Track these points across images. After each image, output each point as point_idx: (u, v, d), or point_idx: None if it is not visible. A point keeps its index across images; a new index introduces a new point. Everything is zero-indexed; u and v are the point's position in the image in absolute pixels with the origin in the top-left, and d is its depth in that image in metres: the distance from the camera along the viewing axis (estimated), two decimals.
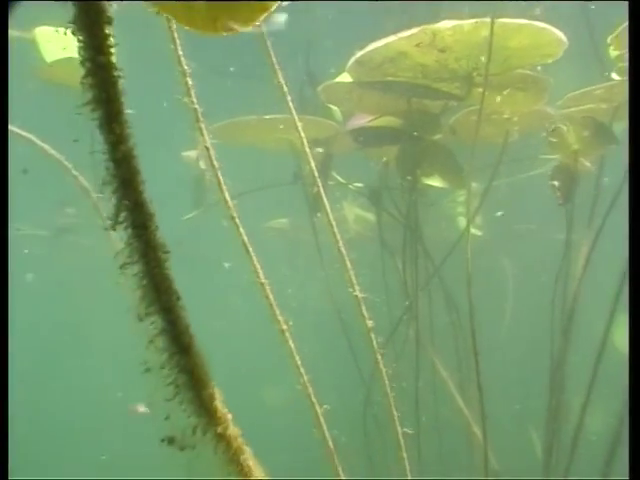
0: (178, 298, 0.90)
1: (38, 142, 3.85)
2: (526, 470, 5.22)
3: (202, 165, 5.92)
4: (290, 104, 2.70)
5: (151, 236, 0.89)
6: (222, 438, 0.90)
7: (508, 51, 3.97)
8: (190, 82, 1.53)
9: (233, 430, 0.91)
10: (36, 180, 8.26)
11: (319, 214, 5.07)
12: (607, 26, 4.32)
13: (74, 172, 4.07)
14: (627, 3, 2.00)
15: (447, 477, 5.52)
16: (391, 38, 3.70)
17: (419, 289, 4.98)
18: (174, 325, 0.89)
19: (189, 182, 6.06)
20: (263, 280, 1.85)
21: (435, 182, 4.75)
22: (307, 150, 2.75)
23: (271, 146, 5.62)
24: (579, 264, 4.78)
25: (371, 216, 6.86)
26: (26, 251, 10.58)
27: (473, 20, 3.59)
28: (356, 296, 2.60)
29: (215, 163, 1.66)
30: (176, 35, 1.51)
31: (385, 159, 5.27)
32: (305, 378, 2.09)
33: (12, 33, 3.55)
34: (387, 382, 2.75)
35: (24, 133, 3.76)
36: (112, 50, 0.89)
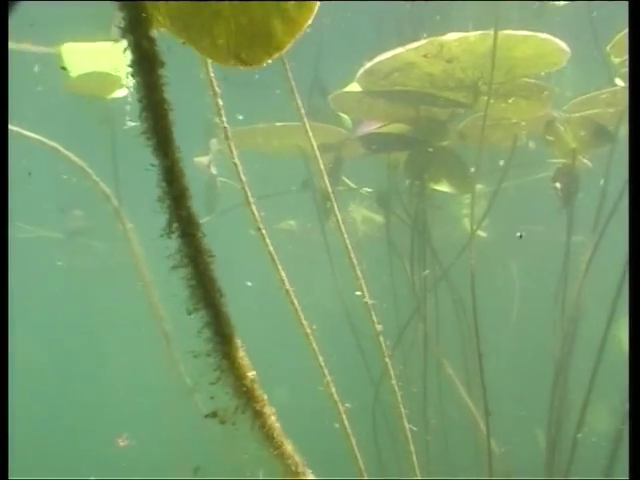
0: (221, 295, 1.06)
1: (62, 150, 4.03)
2: (532, 470, 5.29)
3: (213, 170, 6.09)
4: (302, 111, 2.84)
5: (198, 243, 1.05)
6: (260, 415, 1.06)
7: (512, 61, 4.12)
8: (221, 103, 1.68)
9: (269, 409, 1.08)
10: (48, 183, 8.45)
11: (329, 219, 5.20)
12: (614, 31, 4.44)
13: (95, 178, 4.26)
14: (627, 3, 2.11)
15: (455, 476, 5.61)
16: (399, 50, 3.85)
17: (427, 290, 5.10)
18: (218, 318, 1.05)
19: (201, 187, 6.20)
20: (288, 287, 1.99)
21: (443, 187, 4.89)
22: (317, 155, 2.89)
23: (282, 152, 5.78)
24: (585, 265, 4.88)
25: (379, 217, 6.99)
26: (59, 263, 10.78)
27: (478, 32, 3.74)
28: (364, 298, 2.71)
29: (243, 177, 1.81)
30: (210, 61, 1.66)
31: (394, 164, 5.41)
32: (328, 378, 2.23)
33: (42, 49, 3.73)
34: (395, 383, 2.86)
35: (50, 142, 3.95)
36: (164, 88, 1.05)
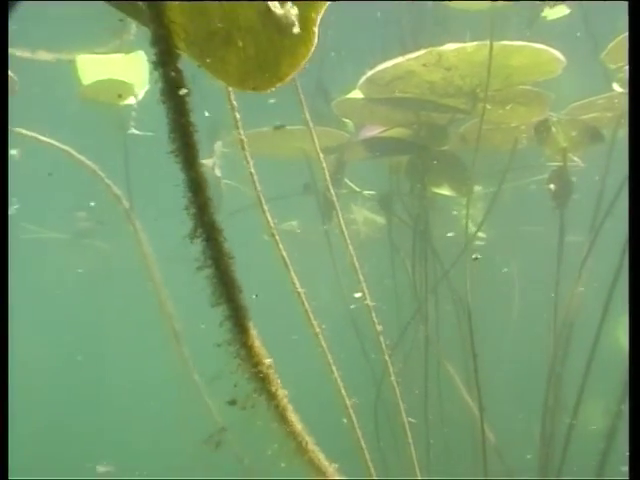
0: (240, 291, 1.22)
1: (75, 154, 4.19)
2: (527, 468, 5.37)
3: (218, 173, 6.23)
4: (307, 115, 2.98)
5: (220, 246, 1.20)
6: (274, 397, 1.22)
7: (509, 69, 4.26)
8: (238, 116, 1.83)
9: (282, 391, 1.23)
10: (57, 186, 8.59)
11: (331, 221, 5.32)
12: (612, 36, 4.57)
13: (107, 181, 4.41)
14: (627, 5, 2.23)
15: (455, 475, 5.71)
16: (399, 59, 4.00)
17: (428, 291, 5.23)
18: (238, 312, 1.20)
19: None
20: (300, 289, 2.12)
21: (443, 190, 5.04)
22: (321, 158, 3.03)
23: (285, 155, 5.91)
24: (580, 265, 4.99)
25: (380, 219, 7.13)
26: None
27: (475, 42, 3.89)
28: (365, 300, 2.83)
29: (257, 186, 1.96)
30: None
31: (396, 167, 5.55)
32: (336, 374, 2.35)
33: (58, 56, 3.88)
34: (395, 381, 2.97)
35: (63, 146, 4.10)
36: (190, 113, 1.19)
